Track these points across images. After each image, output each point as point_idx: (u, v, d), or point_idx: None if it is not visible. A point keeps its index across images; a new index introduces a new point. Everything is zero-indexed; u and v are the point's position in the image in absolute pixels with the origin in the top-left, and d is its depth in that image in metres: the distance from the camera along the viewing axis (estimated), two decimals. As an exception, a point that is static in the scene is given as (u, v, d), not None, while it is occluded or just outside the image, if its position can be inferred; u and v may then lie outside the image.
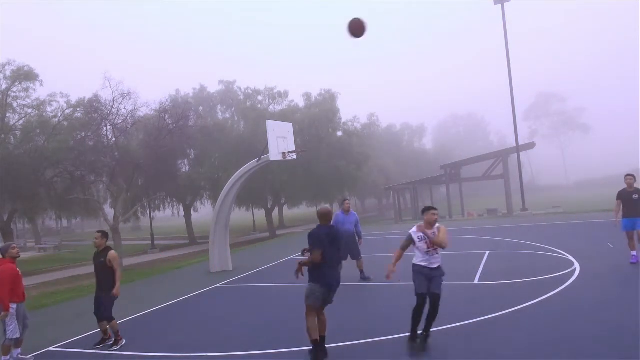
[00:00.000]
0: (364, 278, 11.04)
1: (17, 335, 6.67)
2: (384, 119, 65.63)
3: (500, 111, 66.66)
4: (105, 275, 7.39)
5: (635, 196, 9.93)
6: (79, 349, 7.57)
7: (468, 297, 8.67)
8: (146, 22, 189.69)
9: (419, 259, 6.17)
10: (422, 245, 6.11)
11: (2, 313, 6.54)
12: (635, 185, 10.19)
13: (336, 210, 11.37)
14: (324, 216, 6.20)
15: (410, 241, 6.23)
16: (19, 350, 6.90)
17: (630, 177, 10.18)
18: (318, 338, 5.98)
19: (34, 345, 7.97)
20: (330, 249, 5.99)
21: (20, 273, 6.86)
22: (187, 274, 15.22)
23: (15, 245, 7.12)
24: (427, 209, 6.22)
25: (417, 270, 6.15)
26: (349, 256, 10.71)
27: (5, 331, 6.67)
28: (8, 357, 6.76)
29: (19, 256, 7.08)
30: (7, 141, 22.37)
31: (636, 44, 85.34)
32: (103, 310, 7.40)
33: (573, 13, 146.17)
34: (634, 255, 10.18)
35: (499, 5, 29.96)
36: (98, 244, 7.48)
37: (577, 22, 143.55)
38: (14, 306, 6.63)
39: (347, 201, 11.27)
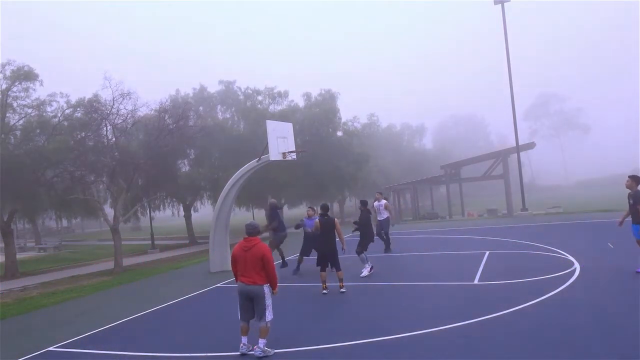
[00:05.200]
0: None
1: (272, 317, 6.52)
2: (384, 119, 65.63)
3: (500, 111, 66.72)
4: None
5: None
6: (79, 349, 7.57)
7: (468, 297, 8.67)
8: (147, 22, 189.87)
9: None
10: None
11: (275, 290, 6.43)
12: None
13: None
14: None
15: None
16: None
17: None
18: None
19: (34, 345, 7.98)
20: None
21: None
22: (187, 274, 15.22)
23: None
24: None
25: None
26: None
27: (264, 313, 6.43)
28: (265, 340, 6.46)
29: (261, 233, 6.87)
30: (7, 141, 22.31)
31: (636, 44, 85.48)
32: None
33: (573, 13, 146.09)
34: None
35: (499, 5, 29.99)
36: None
37: (577, 22, 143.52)
38: (268, 285, 6.46)
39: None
